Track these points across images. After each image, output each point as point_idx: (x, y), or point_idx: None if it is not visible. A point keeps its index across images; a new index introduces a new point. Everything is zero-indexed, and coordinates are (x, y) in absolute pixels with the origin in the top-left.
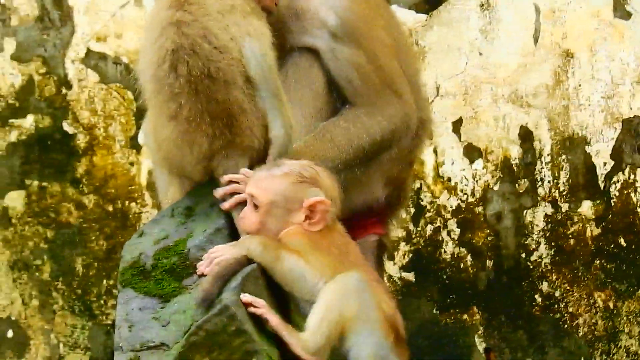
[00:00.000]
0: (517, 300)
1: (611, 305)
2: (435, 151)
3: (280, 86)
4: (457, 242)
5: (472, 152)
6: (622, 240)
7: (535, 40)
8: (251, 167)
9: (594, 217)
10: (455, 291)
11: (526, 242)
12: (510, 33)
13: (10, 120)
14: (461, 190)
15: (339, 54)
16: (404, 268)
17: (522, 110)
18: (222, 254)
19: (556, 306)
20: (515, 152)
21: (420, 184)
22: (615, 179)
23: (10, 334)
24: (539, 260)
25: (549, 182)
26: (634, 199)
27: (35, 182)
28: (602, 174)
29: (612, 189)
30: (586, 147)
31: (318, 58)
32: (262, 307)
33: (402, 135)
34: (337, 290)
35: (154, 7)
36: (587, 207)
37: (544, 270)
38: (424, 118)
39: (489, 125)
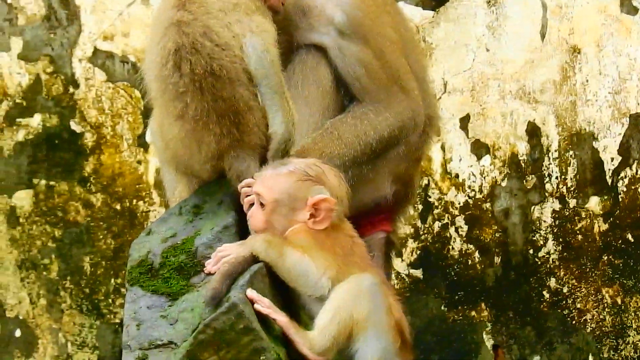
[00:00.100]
0: (525, 297)
1: (619, 301)
2: (442, 148)
3: (283, 82)
4: (464, 238)
5: (479, 149)
6: (629, 236)
7: (542, 36)
8: (262, 165)
9: (601, 212)
10: (463, 288)
11: (534, 238)
12: (517, 29)
13: (18, 120)
14: (469, 187)
15: (346, 51)
16: (411, 265)
17: (529, 106)
18: (229, 252)
19: (564, 302)
20: (522, 148)
21: (428, 181)
22: (622, 174)
23: (18, 333)
24: (547, 256)
25: (556, 178)
26: None
27: (43, 181)
28: (609, 170)
29: (619, 184)
30: (593, 142)
31: (325, 55)
32: (268, 307)
33: (410, 132)
34: (350, 291)
35: (159, 8)
36: (594, 203)
37: (551, 266)
38: (431, 115)
39: (496, 122)
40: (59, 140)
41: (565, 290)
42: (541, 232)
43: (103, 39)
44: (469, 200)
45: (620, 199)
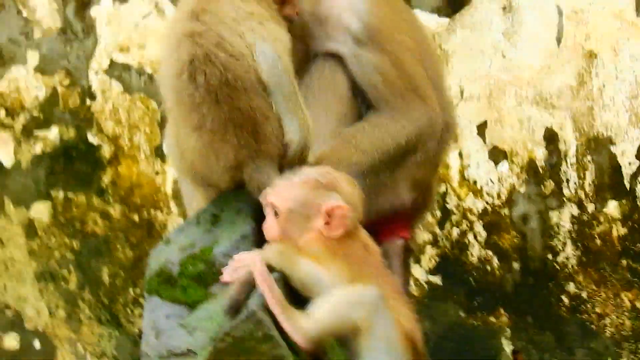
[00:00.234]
0: (544, 302)
1: (638, 305)
2: (460, 154)
3: (297, 90)
4: (483, 244)
5: (497, 155)
6: None
7: (558, 42)
8: (282, 174)
9: (620, 217)
10: (482, 293)
11: (552, 244)
12: (533, 35)
13: (35, 133)
14: (487, 193)
15: (363, 59)
16: (430, 271)
17: (546, 112)
18: (246, 262)
19: (583, 307)
20: (540, 154)
21: (446, 187)
22: None
23: (37, 344)
24: (566, 261)
25: (574, 183)
26: None
27: (61, 193)
28: (627, 174)
29: (637, 188)
30: (611, 147)
31: (342, 63)
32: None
33: (427, 139)
34: (353, 294)
35: (172, 19)
36: (613, 207)
37: (570, 271)
38: (448, 122)
39: (513, 128)
40: (76, 152)
41: (584, 295)
42: (560, 237)
43: (119, 51)
44: (487, 206)
45: (639, 203)
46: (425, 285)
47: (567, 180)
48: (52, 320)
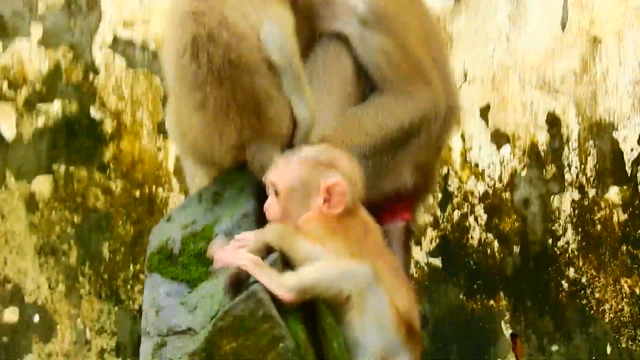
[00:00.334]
0: (543, 286)
1: (637, 291)
2: (462, 137)
3: (302, 69)
4: (484, 227)
5: (499, 138)
6: None
7: (563, 26)
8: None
9: (621, 203)
10: (482, 277)
11: (553, 228)
12: (538, 19)
13: (38, 106)
14: (488, 176)
15: (368, 41)
16: (431, 253)
17: (549, 96)
18: (246, 241)
19: (583, 292)
20: (542, 138)
21: (448, 170)
22: None
23: (36, 318)
24: (566, 246)
25: (576, 168)
26: None
27: (62, 168)
28: (629, 160)
29: (639, 174)
30: (613, 133)
31: (347, 44)
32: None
33: (431, 122)
34: (345, 266)
35: None
36: (614, 193)
37: (570, 256)
38: (452, 105)
39: (516, 111)
40: (78, 126)
41: (584, 280)
42: (560, 221)
43: (123, 26)
44: (489, 189)
45: None
46: (426, 268)
47: (569, 165)
48: (51, 294)
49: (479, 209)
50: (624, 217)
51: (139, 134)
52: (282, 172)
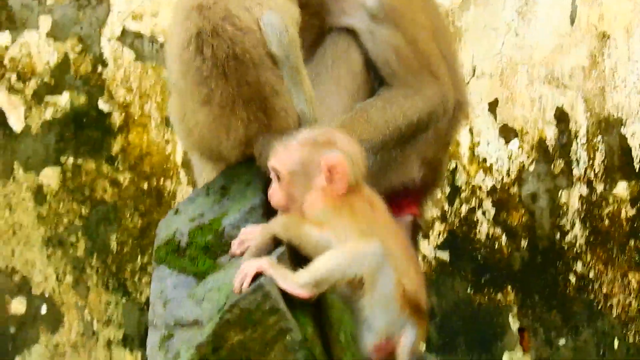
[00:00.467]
0: (551, 281)
1: None
2: (471, 132)
3: (302, 62)
4: (492, 222)
5: (507, 133)
6: None
7: (572, 21)
8: None
9: (629, 198)
10: (489, 271)
11: (561, 223)
12: (547, 14)
13: (46, 98)
14: (496, 171)
15: (377, 35)
16: (438, 247)
17: (558, 92)
18: (253, 236)
19: (590, 287)
20: (550, 133)
21: (456, 164)
22: None
23: (44, 310)
24: (574, 241)
25: (584, 163)
26: None
27: (71, 160)
28: (637, 155)
29: None
30: (622, 128)
31: (356, 39)
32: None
33: (439, 117)
34: (355, 249)
35: None
36: (622, 189)
37: (578, 251)
38: (460, 100)
39: (524, 106)
40: (86, 118)
41: (591, 274)
42: (568, 216)
43: (132, 19)
44: (497, 184)
45: None
46: (433, 261)
47: (577, 160)
48: (59, 286)
49: (487, 204)
50: (632, 212)
51: (147, 126)
52: (282, 157)
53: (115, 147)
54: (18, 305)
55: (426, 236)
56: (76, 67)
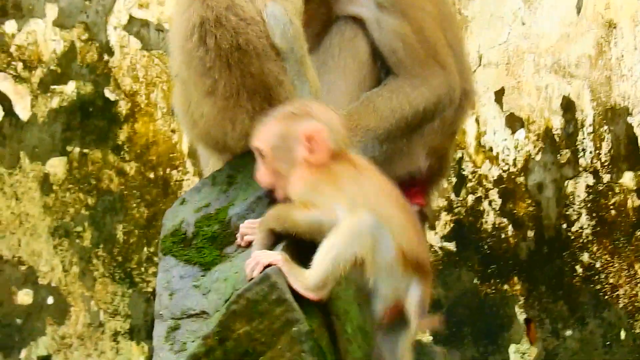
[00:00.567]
0: (557, 271)
1: None
2: (477, 121)
3: (306, 53)
4: (498, 212)
5: (514, 122)
6: None
7: (578, 10)
8: None
9: (635, 188)
10: (496, 261)
11: (567, 213)
12: (553, 3)
13: (52, 87)
14: (503, 160)
15: (384, 24)
16: (445, 238)
17: (564, 81)
18: (252, 232)
19: (597, 277)
20: (557, 123)
21: (462, 154)
22: None
23: (50, 300)
24: (580, 231)
25: (590, 152)
26: None
27: (77, 149)
28: None
29: None
30: (628, 117)
31: (363, 28)
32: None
33: (445, 107)
34: (346, 231)
35: None
36: (628, 178)
37: (584, 241)
38: (467, 89)
39: (531, 95)
40: (93, 107)
41: (598, 265)
42: (575, 206)
43: (138, 7)
44: (503, 173)
45: None
46: (440, 252)
47: (584, 150)
48: (65, 276)
49: (493, 194)
50: (638, 202)
51: (154, 115)
52: (262, 134)
53: (122, 137)
54: (24, 296)
55: (432, 226)
56: (82, 55)
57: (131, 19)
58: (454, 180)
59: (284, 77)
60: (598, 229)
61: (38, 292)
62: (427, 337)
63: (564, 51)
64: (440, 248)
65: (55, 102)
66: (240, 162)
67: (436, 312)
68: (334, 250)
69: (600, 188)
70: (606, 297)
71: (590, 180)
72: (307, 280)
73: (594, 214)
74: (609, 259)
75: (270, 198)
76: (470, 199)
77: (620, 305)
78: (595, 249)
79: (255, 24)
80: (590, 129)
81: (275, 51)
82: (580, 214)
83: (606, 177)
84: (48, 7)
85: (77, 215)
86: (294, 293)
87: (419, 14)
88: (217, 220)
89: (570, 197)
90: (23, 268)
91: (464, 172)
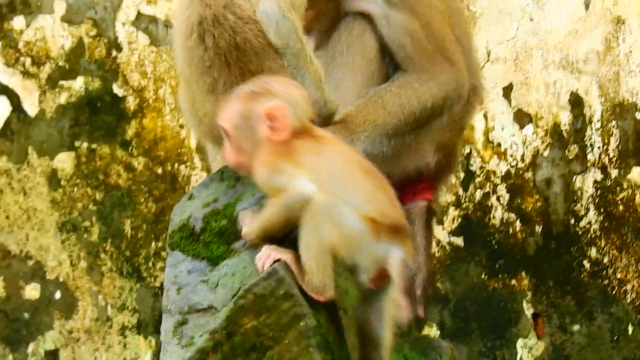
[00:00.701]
0: (565, 266)
1: None
2: (485, 116)
3: (305, 44)
4: (506, 207)
5: (522, 118)
6: None
7: (586, 6)
8: None
9: None
10: (503, 256)
11: (575, 208)
12: None
13: (60, 83)
14: (511, 156)
15: (393, 20)
16: (453, 233)
17: (572, 76)
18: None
19: (604, 272)
20: (565, 118)
21: (470, 149)
22: None
23: (58, 295)
24: (588, 226)
25: (598, 148)
26: None
27: (85, 144)
28: None
29: None
30: (636, 113)
31: (371, 23)
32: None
33: (454, 102)
34: (311, 227)
35: None
36: (636, 174)
37: (592, 236)
38: (475, 85)
39: (539, 91)
40: (101, 103)
41: (605, 260)
42: (582, 202)
43: (147, 3)
44: (511, 169)
45: None
46: (447, 247)
47: (592, 146)
48: (73, 271)
49: (501, 189)
50: None
51: (162, 111)
52: (226, 113)
53: (130, 132)
54: (32, 291)
55: (440, 222)
56: (91, 51)
57: (139, 15)
58: (462, 175)
59: (283, 74)
60: (606, 224)
61: (46, 286)
62: (434, 332)
63: (572, 47)
64: (448, 243)
65: (63, 98)
66: None
67: (444, 307)
68: (310, 251)
69: (608, 183)
70: (614, 292)
71: (598, 176)
72: (310, 282)
73: (602, 210)
74: (616, 254)
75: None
76: (478, 194)
77: (628, 300)
78: (603, 244)
79: (252, 23)
80: (599, 125)
81: (274, 49)
82: (588, 210)
83: (614, 173)
84: (56, 3)
85: (85, 210)
86: (301, 288)
87: (428, 10)
88: (225, 216)
89: (578, 192)
90: (31, 263)
91: (472, 168)
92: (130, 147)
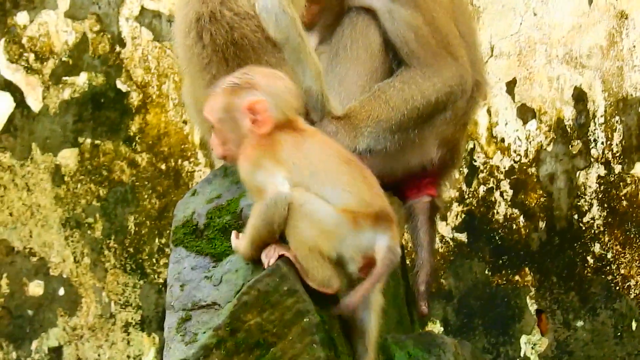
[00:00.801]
0: (569, 262)
1: None
2: (489, 112)
3: (304, 38)
4: (509, 202)
5: (525, 113)
6: None
7: (590, 1)
8: None
9: None
10: (507, 252)
11: (579, 204)
12: None
13: (64, 78)
14: (514, 151)
15: (397, 15)
16: (456, 229)
17: (576, 71)
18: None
19: (608, 268)
20: (568, 113)
21: (474, 145)
22: None
23: (62, 291)
24: (592, 221)
25: (602, 143)
26: None
27: (88, 140)
28: None
29: None
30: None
31: (375, 18)
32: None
33: (457, 98)
34: (290, 226)
35: None
36: None
37: (596, 231)
38: (479, 80)
39: (542, 86)
40: (104, 99)
41: (609, 256)
42: (586, 197)
43: None
44: (514, 164)
45: None
46: (451, 243)
47: (595, 141)
48: (77, 267)
49: (505, 184)
50: None
51: (165, 106)
52: (210, 106)
53: (133, 128)
54: (36, 288)
55: (444, 217)
56: (94, 47)
57: (143, 10)
58: (465, 171)
59: (282, 68)
60: (609, 219)
61: (49, 283)
62: (438, 328)
63: (575, 42)
64: (452, 239)
65: (66, 94)
66: None
67: (448, 303)
68: (299, 250)
69: (612, 179)
70: (617, 287)
71: (602, 171)
72: (314, 278)
73: (606, 205)
74: (620, 249)
75: None
76: (482, 189)
77: (632, 296)
78: (606, 239)
79: (249, 18)
80: (602, 120)
81: (271, 43)
82: (591, 205)
83: (618, 168)
84: None
85: (89, 206)
86: (305, 284)
87: (431, 5)
88: (228, 212)
89: (582, 187)
90: (34, 259)
91: (475, 163)
92: (134, 143)
